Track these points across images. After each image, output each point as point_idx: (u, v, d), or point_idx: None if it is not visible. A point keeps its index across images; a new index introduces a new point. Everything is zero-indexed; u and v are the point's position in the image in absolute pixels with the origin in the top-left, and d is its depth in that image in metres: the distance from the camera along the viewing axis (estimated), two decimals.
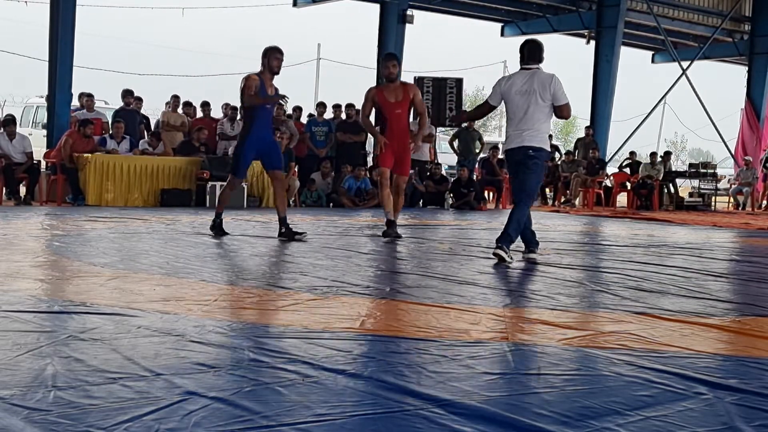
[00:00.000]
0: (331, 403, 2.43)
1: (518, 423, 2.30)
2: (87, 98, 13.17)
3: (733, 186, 19.36)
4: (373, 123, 7.97)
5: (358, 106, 14.69)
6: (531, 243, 6.46)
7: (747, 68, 21.25)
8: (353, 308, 4.10)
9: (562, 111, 6.25)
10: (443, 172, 15.68)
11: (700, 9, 21.07)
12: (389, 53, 8.77)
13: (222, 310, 3.84)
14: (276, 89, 7.32)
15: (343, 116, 14.41)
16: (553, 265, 6.09)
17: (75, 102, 13.71)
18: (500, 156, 16.35)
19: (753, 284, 5.56)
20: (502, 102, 6.37)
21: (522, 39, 23.89)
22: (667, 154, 19.04)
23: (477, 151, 15.58)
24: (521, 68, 6.29)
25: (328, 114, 14.61)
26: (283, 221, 7.28)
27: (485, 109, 6.62)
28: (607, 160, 18.25)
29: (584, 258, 6.93)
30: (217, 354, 2.97)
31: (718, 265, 6.64)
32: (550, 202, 17.29)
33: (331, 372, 2.77)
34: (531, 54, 6.31)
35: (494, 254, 6.07)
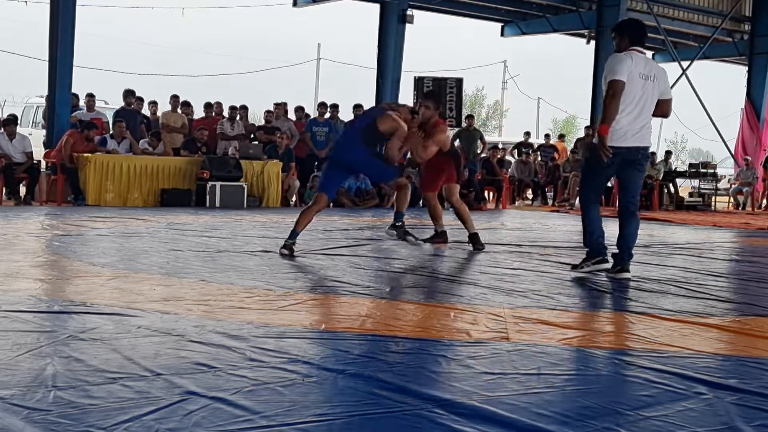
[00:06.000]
0: (331, 403, 2.44)
1: (518, 423, 2.30)
2: (88, 98, 13.17)
3: (733, 186, 19.36)
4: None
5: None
6: (621, 261, 5.41)
7: (747, 68, 21.25)
8: (353, 308, 4.10)
9: (667, 106, 5.44)
10: None
11: (700, 9, 21.06)
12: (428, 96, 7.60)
13: (222, 310, 3.84)
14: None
15: (346, 117, 14.41)
16: (553, 265, 6.08)
17: (80, 101, 13.69)
18: (496, 155, 16.33)
19: (753, 284, 5.56)
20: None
21: (522, 39, 23.44)
22: (668, 153, 19.05)
23: (478, 151, 15.58)
24: (632, 49, 5.28)
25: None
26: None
27: (619, 90, 5.13)
28: None
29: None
30: (217, 354, 2.97)
31: (718, 265, 6.64)
32: (550, 202, 17.30)
33: (331, 372, 2.77)
34: (643, 36, 5.40)
35: (621, 279, 5.27)
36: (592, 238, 5.42)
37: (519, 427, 2.27)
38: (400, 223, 6.71)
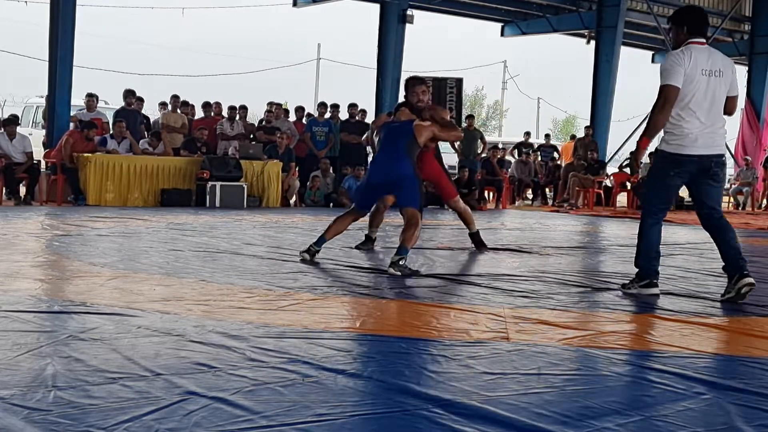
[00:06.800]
0: (331, 403, 2.44)
1: (518, 423, 2.30)
2: (89, 98, 13.16)
3: (733, 186, 19.36)
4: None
5: (361, 105, 14.75)
6: (738, 269, 4.68)
7: (747, 68, 21.24)
8: (353, 308, 4.10)
9: (733, 104, 4.75)
10: None
11: None
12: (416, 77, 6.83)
13: (222, 310, 3.84)
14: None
15: (342, 116, 14.40)
16: (553, 265, 6.09)
17: (80, 102, 13.69)
18: (496, 155, 16.34)
19: None
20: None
21: (522, 39, 23.27)
22: None
23: (479, 151, 15.59)
24: (690, 42, 4.64)
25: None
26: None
27: (671, 97, 4.53)
28: (607, 160, 18.25)
29: (584, 258, 6.93)
30: (217, 354, 2.97)
31: (718, 265, 6.62)
32: (550, 202, 17.31)
33: (331, 372, 2.77)
34: (703, 25, 4.76)
35: (745, 285, 4.59)
36: (644, 258, 4.81)
37: (519, 427, 2.27)
38: (404, 261, 5.50)
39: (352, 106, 14.40)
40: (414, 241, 5.76)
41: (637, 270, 4.85)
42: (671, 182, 4.70)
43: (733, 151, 21.06)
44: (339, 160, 14.06)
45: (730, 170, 23.63)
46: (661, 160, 4.69)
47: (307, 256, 5.89)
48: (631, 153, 4.62)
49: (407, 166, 5.94)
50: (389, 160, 6.01)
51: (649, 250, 4.79)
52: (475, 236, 7.10)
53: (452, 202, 7.07)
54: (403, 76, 16.72)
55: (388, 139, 6.09)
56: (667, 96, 4.54)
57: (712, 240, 4.82)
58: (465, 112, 17.99)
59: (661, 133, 4.73)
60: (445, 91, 16.04)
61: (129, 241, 6.92)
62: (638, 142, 4.67)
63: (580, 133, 19.11)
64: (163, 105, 14.05)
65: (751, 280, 4.57)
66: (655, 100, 4.59)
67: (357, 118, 14.39)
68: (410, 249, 5.68)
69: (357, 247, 6.77)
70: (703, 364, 3.11)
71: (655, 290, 4.76)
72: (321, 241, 6.02)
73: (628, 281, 4.94)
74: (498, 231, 9.26)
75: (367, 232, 6.94)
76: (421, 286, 4.82)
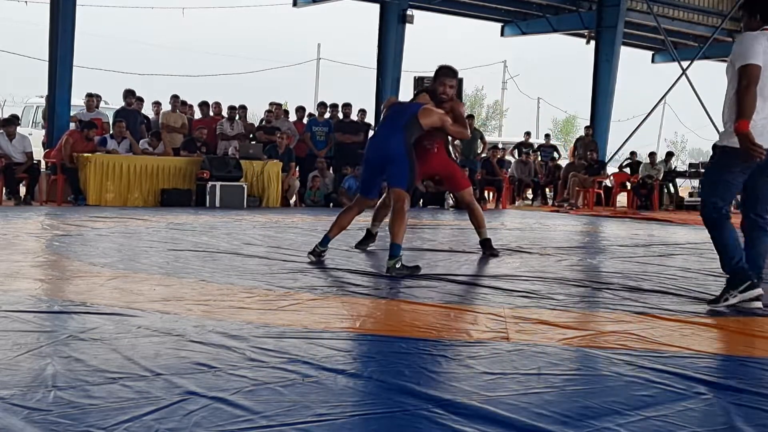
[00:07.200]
0: (331, 403, 2.44)
1: (518, 423, 2.30)
2: (88, 98, 13.15)
3: None
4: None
5: (361, 105, 14.74)
6: (750, 276, 4.41)
7: None
8: (353, 308, 4.10)
9: None
10: None
11: (700, 9, 21.06)
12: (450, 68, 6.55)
13: (222, 310, 3.84)
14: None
15: (340, 116, 14.41)
16: (553, 265, 6.09)
17: (80, 102, 13.67)
18: (496, 155, 16.34)
19: None
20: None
21: (522, 39, 23.25)
22: (669, 154, 19.03)
23: (479, 151, 15.59)
24: (766, 28, 4.34)
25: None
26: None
27: (755, 76, 4.21)
28: (607, 160, 18.25)
29: (584, 258, 6.93)
30: (217, 354, 2.97)
31: (718, 265, 6.63)
32: (550, 202, 17.31)
33: (331, 372, 2.78)
34: None
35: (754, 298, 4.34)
36: (732, 262, 4.41)
37: (519, 427, 2.28)
38: (400, 263, 5.41)
39: (346, 106, 14.39)
40: (403, 233, 5.62)
41: (728, 277, 4.46)
42: (735, 179, 4.39)
43: None
44: (335, 160, 14.04)
45: None
46: (724, 156, 4.34)
47: (312, 257, 5.87)
48: (741, 140, 4.18)
49: (400, 145, 5.80)
50: (384, 136, 5.96)
51: (736, 251, 4.42)
52: (486, 243, 6.78)
53: (466, 195, 6.84)
54: (403, 76, 16.76)
55: (391, 116, 6.07)
56: (750, 76, 4.21)
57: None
58: (465, 112, 17.97)
59: (723, 128, 4.45)
60: None
61: (129, 241, 6.92)
62: (738, 128, 4.24)
63: (580, 133, 19.13)
64: (156, 104, 13.97)
65: (759, 304, 4.35)
66: (737, 84, 4.27)
67: (354, 118, 14.39)
68: (402, 245, 5.57)
69: (357, 246, 6.77)
70: (703, 364, 3.11)
71: (758, 291, 4.36)
72: (326, 240, 6.00)
73: (716, 296, 4.52)
74: (498, 231, 9.25)
75: (368, 227, 6.91)
76: (421, 286, 4.82)
